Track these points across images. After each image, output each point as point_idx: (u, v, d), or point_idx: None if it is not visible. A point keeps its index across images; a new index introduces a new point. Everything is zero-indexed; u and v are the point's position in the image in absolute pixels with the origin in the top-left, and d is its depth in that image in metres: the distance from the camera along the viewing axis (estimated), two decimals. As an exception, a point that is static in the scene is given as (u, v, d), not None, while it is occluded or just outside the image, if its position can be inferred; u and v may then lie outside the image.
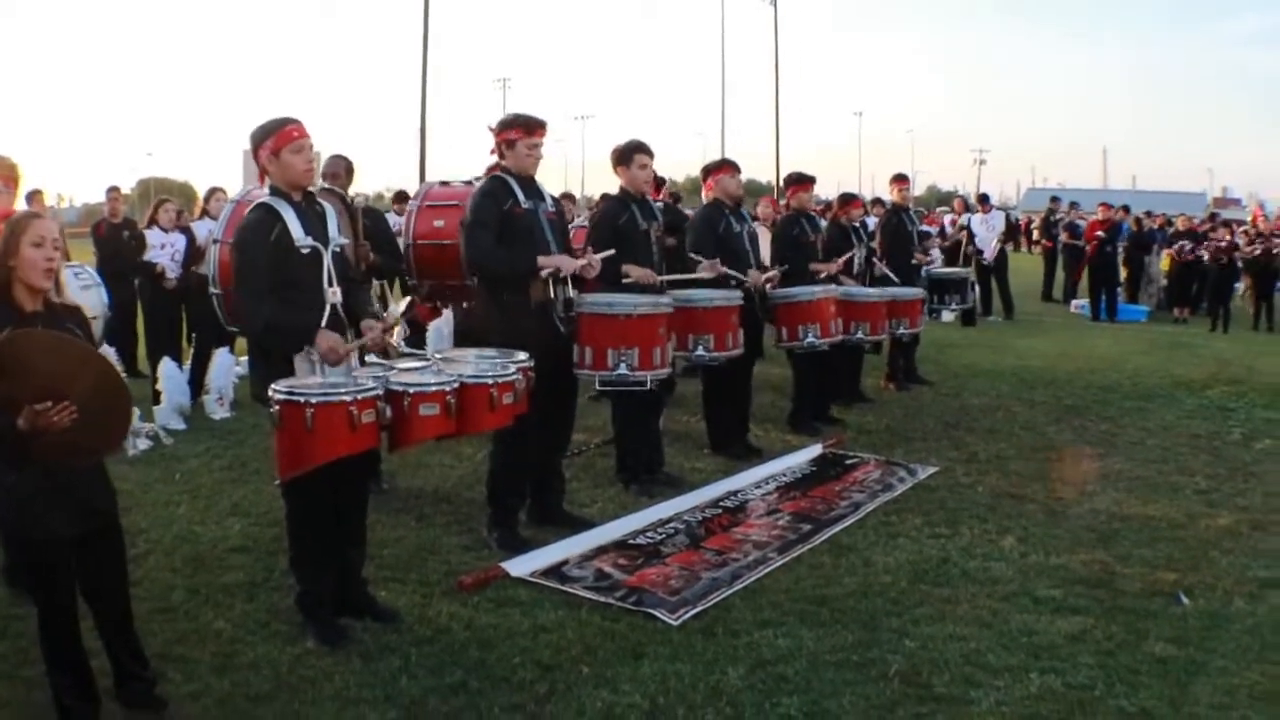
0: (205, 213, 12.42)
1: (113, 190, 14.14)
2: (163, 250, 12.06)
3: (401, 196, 15.84)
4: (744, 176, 9.71)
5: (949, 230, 21.80)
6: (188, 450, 9.38)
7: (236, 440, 9.60)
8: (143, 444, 9.32)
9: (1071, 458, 9.38)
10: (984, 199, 24.33)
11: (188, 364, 11.57)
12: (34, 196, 12.79)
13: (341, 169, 8.59)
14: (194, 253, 11.91)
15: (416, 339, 11.30)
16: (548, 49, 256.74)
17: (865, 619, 5.78)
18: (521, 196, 6.86)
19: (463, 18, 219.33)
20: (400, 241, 9.62)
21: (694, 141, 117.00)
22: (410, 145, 38.36)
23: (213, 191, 12.58)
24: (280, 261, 5.35)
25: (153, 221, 12.36)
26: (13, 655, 5.28)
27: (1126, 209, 24.13)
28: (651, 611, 5.77)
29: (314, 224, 5.51)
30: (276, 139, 5.48)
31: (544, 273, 6.82)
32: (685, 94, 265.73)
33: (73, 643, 4.59)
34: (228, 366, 10.87)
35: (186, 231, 12.28)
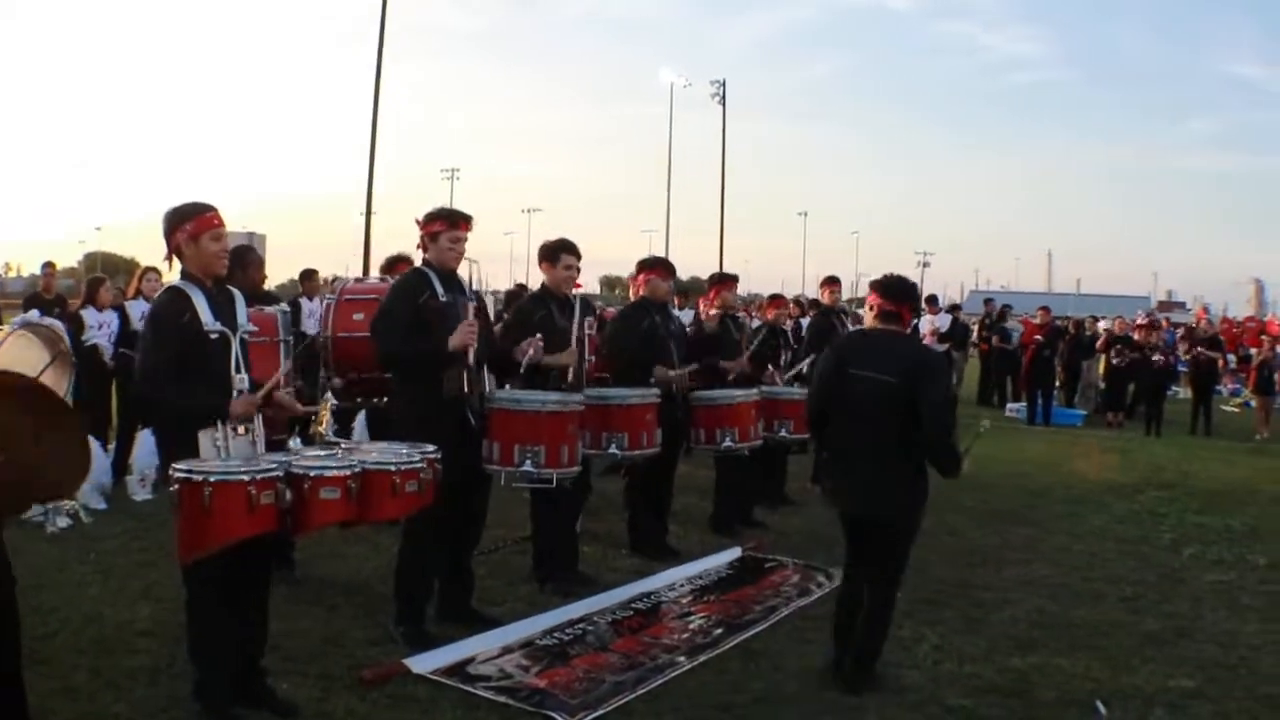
0: (139, 292, 12.28)
1: (48, 266, 14.13)
2: (100, 330, 11.94)
3: (308, 275, 15.60)
4: (689, 275, 9.73)
5: (925, 329, 21.91)
6: (106, 531, 9.31)
7: (156, 523, 9.43)
8: (62, 522, 9.26)
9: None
10: (932, 300, 24.43)
11: (113, 444, 11.46)
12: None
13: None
14: (126, 333, 11.76)
15: (344, 429, 11.24)
16: (498, 141, 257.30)
17: (768, 727, 5.69)
18: (440, 290, 6.82)
19: (414, 106, 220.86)
20: (319, 335, 9.54)
21: (641, 239, 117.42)
22: (357, 232, 38.56)
23: (145, 271, 12.49)
24: (189, 346, 5.33)
25: (90, 300, 12.24)
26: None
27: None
28: (551, 714, 5.68)
29: (224, 309, 5.51)
30: (197, 223, 5.50)
31: (453, 347, 6.69)
32: (634, 191, 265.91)
33: None
34: (151, 447, 10.75)
35: (120, 310, 12.18)
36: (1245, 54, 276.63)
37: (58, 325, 7.48)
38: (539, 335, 7.55)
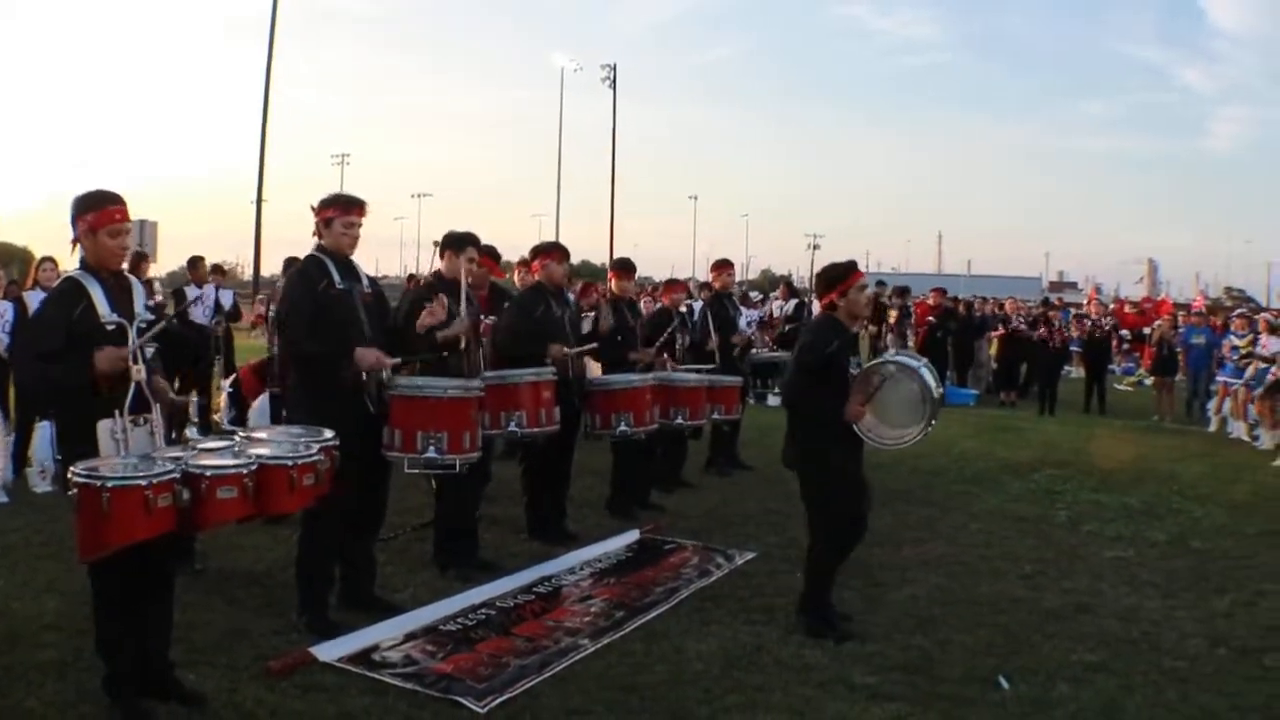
0: (36, 283, 12.11)
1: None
2: (-5, 320, 11.76)
3: (194, 263, 15.53)
4: (580, 259, 9.79)
5: (777, 314, 22.13)
6: (8, 524, 9.21)
7: (57, 515, 9.26)
8: (-36, 516, 9.12)
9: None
10: (788, 284, 24.70)
11: (11, 436, 11.31)
12: None
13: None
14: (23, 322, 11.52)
15: (240, 416, 11.15)
16: (388, 126, 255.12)
17: (674, 708, 5.78)
18: (337, 277, 6.82)
19: (305, 91, 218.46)
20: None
21: (531, 223, 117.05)
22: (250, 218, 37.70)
23: (41, 261, 12.32)
24: (85, 338, 5.29)
25: (-18, 290, 12.03)
26: None
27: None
28: (459, 699, 5.72)
29: (120, 300, 5.48)
30: (98, 216, 5.46)
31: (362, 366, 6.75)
32: (524, 175, 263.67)
33: None
34: (50, 439, 10.59)
35: (17, 301, 12.00)
36: (1143, 35, 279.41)
37: None
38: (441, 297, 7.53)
